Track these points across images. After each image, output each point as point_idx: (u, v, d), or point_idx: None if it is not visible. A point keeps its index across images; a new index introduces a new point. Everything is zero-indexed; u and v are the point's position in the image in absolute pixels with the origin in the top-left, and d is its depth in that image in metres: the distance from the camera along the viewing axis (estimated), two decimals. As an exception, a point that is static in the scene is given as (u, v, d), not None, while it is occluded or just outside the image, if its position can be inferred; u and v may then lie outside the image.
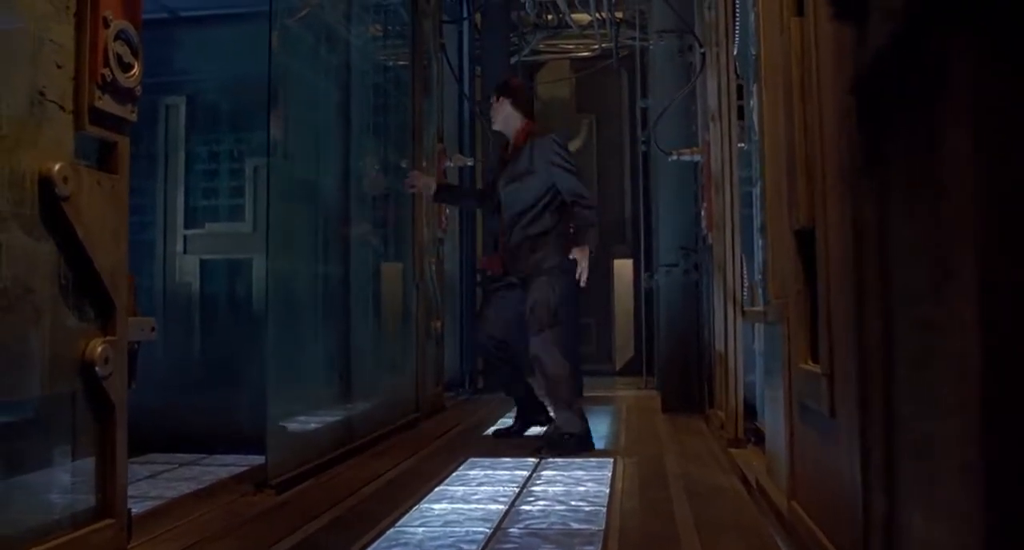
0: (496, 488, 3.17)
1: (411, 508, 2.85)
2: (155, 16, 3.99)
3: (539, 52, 8.68)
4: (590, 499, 2.97)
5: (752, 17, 2.96)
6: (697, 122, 5.16)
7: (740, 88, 3.92)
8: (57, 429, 1.77)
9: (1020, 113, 0.89)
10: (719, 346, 4.27)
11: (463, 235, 6.86)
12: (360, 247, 4.21)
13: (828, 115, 1.76)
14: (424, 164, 5.13)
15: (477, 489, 3.16)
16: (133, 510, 1.99)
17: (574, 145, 8.61)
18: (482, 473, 3.47)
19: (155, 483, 3.25)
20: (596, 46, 8.45)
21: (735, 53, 3.95)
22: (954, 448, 1.01)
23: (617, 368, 8.35)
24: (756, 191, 3.39)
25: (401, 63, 5.05)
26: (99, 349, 1.79)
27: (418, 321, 4.96)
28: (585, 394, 6.03)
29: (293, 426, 3.41)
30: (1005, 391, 0.89)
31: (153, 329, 2.00)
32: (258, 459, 3.23)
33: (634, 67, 8.02)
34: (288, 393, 3.31)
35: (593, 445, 4.00)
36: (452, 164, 5.85)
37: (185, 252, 4.27)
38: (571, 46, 8.70)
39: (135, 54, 1.89)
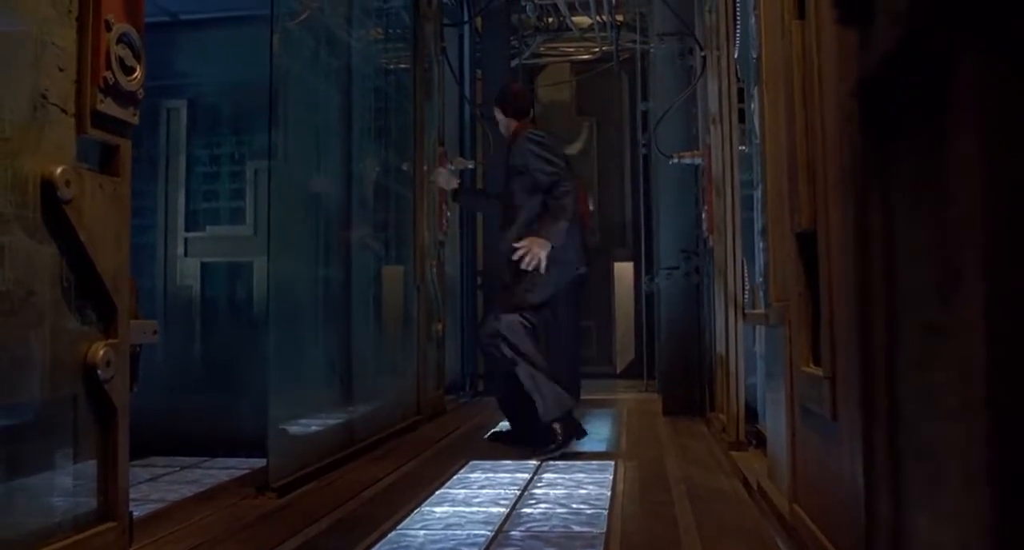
0: (497, 491, 3.17)
1: (412, 511, 2.85)
2: (156, 19, 3.99)
3: (540, 55, 8.68)
4: (591, 502, 2.97)
5: (753, 20, 2.96)
6: (698, 125, 5.16)
7: (741, 91, 3.92)
8: (59, 432, 1.77)
9: (1028, 116, 0.89)
10: (720, 349, 4.27)
11: (464, 238, 6.86)
12: (361, 250, 4.21)
13: (830, 118, 1.76)
14: (425, 167, 5.13)
15: (478, 492, 3.16)
16: (134, 513, 1.99)
17: (575, 148, 8.62)
18: (483, 476, 3.47)
19: (156, 486, 3.25)
20: (597, 49, 8.46)
21: (736, 56, 3.95)
22: (960, 451, 1.01)
23: (618, 371, 8.35)
24: (757, 194, 3.39)
25: (402, 66, 5.05)
26: (101, 352, 1.79)
27: (419, 324, 4.96)
28: (585, 397, 6.03)
29: (294, 429, 3.41)
30: (1011, 394, 0.89)
31: (155, 332, 2.00)
32: (259, 462, 3.23)
33: (635, 70, 8.02)
34: (289, 396, 3.31)
35: (582, 429, 4.05)
36: (453, 167, 5.84)
37: (186, 255, 4.28)
38: (572, 49, 8.70)
39: (137, 57, 1.89)
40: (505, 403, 4.35)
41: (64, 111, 1.73)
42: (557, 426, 3.91)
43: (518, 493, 3.13)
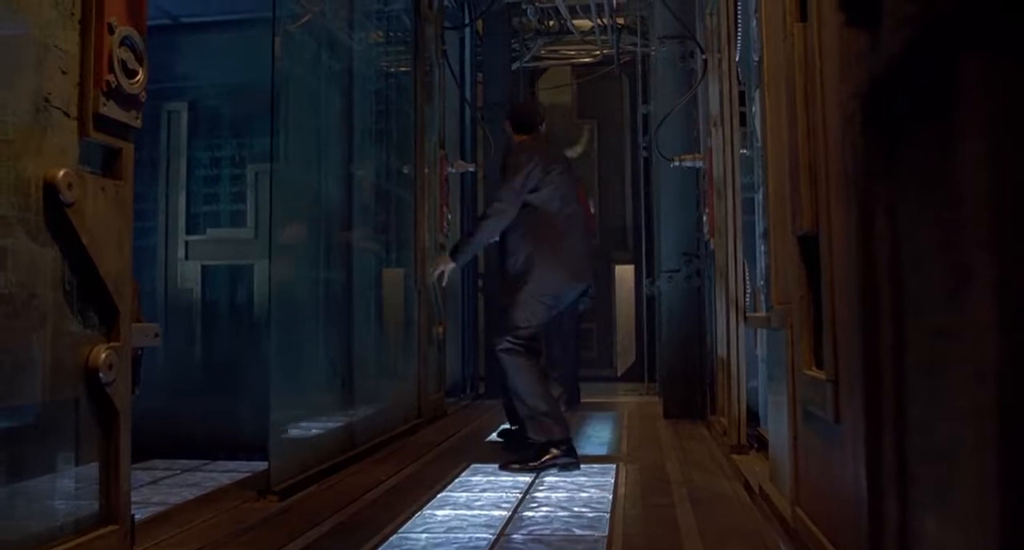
0: (499, 494, 3.17)
1: (414, 514, 2.85)
2: (157, 22, 4.00)
3: (540, 58, 8.69)
4: (593, 505, 2.97)
5: (754, 23, 2.96)
6: (699, 128, 5.17)
7: (742, 94, 3.92)
8: (61, 435, 1.77)
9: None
10: (721, 352, 4.27)
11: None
12: (362, 253, 4.21)
13: (832, 120, 1.76)
14: (426, 170, 5.13)
15: (480, 495, 3.16)
16: (136, 516, 1.98)
17: (575, 151, 8.62)
18: (485, 479, 3.47)
19: (157, 489, 3.25)
20: (598, 52, 8.47)
21: (737, 59, 3.96)
22: (971, 455, 1.01)
23: (619, 374, 8.35)
24: (758, 197, 3.39)
25: (403, 69, 5.06)
26: (103, 355, 1.79)
27: (420, 327, 4.96)
28: (586, 400, 6.03)
29: (295, 432, 3.41)
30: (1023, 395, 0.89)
31: (157, 335, 2.00)
32: (260, 465, 3.23)
33: (635, 73, 8.03)
34: (290, 399, 3.31)
35: (574, 455, 3.73)
36: (454, 170, 5.86)
37: (187, 258, 4.28)
38: (572, 52, 8.70)
39: (140, 60, 1.89)
40: (508, 408, 4.34)
41: (67, 114, 1.73)
42: (553, 450, 3.69)
43: (520, 496, 3.12)
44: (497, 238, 4.04)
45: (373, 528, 2.65)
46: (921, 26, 1.14)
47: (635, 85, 8.21)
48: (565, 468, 3.63)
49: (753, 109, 3.43)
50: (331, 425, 3.76)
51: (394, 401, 4.61)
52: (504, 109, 6.97)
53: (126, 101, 1.86)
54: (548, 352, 4.17)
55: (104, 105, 1.79)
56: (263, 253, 3.71)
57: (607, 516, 2.80)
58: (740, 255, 3.99)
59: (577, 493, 3.18)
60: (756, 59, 2.88)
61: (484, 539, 2.52)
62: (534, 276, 3.90)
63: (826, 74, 1.83)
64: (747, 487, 3.11)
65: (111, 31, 1.80)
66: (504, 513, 2.86)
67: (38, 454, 1.73)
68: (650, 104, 7.14)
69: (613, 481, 3.40)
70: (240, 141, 4.28)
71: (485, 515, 2.84)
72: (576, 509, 2.91)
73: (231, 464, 3.67)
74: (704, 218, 4.87)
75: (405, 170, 4.92)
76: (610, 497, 3.10)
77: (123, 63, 1.84)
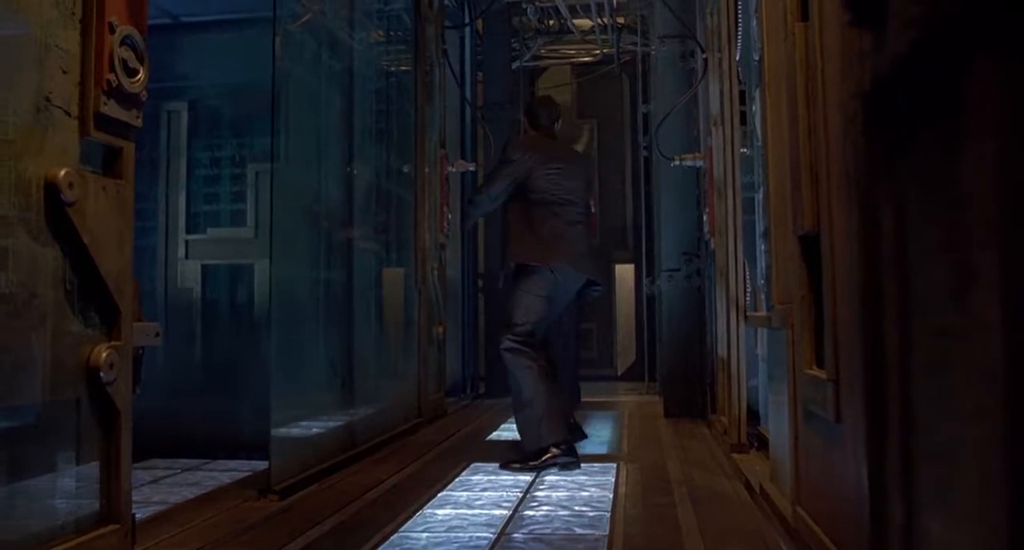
0: (499, 493, 3.17)
1: (414, 513, 2.85)
2: (157, 21, 3.99)
3: (541, 57, 8.69)
4: (594, 504, 2.97)
5: (754, 22, 2.96)
6: (699, 127, 5.17)
7: (742, 93, 3.92)
8: (62, 434, 1.77)
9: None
10: (721, 351, 4.27)
11: (465, 240, 6.86)
12: (362, 252, 4.21)
13: (833, 120, 1.76)
14: (427, 169, 5.13)
15: (480, 494, 3.16)
16: (137, 515, 1.98)
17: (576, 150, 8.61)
18: (485, 478, 3.47)
19: (158, 488, 3.25)
20: (598, 51, 8.47)
21: (737, 58, 3.95)
22: (976, 455, 1.01)
23: (619, 373, 8.35)
24: (758, 197, 3.39)
25: (404, 68, 5.06)
26: (104, 355, 1.79)
27: (420, 326, 4.96)
28: (586, 399, 6.02)
29: (296, 431, 3.41)
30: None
31: (158, 335, 2.00)
32: (260, 464, 3.23)
33: (636, 72, 8.03)
34: (291, 398, 3.31)
35: (575, 454, 3.70)
36: (454, 170, 5.85)
37: (187, 257, 4.28)
38: (573, 51, 8.70)
39: (140, 59, 1.89)
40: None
41: (68, 113, 1.73)
42: (553, 449, 3.68)
43: (520, 495, 3.12)
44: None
45: (374, 527, 2.65)
46: (927, 27, 1.14)
47: (635, 84, 8.21)
48: (565, 467, 3.63)
49: (753, 108, 3.43)
50: (331, 424, 3.76)
51: (394, 400, 4.61)
52: (504, 108, 7.02)
53: (127, 100, 1.86)
54: (548, 353, 4.18)
55: (105, 104, 1.79)
56: (263, 252, 3.71)
57: (608, 515, 2.80)
58: (740, 254, 3.98)
59: (578, 492, 3.18)
60: (757, 58, 2.88)
61: (485, 538, 2.52)
62: (528, 271, 3.96)
63: (827, 74, 1.83)
64: (748, 486, 3.11)
65: (112, 30, 1.80)
66: (505, 512, 2.86)
67: (39, 453, 1.73)
68: (650, 103, 7.13)
69: (614, 480, 3.40)
70: (240, 140, 4.28)
71: (486, 514, 2.84)
72: (577, 508, 2.91)
73: (231, 463, 3.67)
74: (704, 217, 4.86)
75: (405, 169, 4.92)
76: (611, 496, 3.10)
77: (124, 62, 1.84)
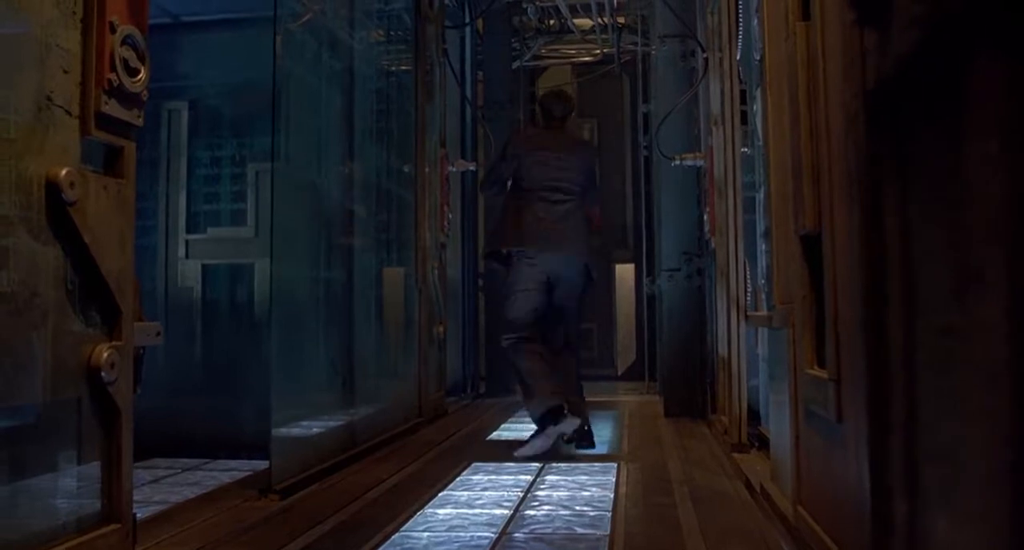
0: (500, 493, 3.17)
1: (415, 513, 2.85)
2: (158, 21, 3.99)
3: (541, 57, 8.69)
4: (594, 504, 2.97)
5: (755, 22, 2.96)
6: (699, 127, 5.16)
7: (743, 93, 3.92)
8: (63, 434, 1.77)
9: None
10: (722, 351, 4.27)
11: (465, 240, 6.86)
12: (363, 251, 4.21)
13: (835, 119, 1.76)
14: (427, 169, 5.13)
15: (481, 494, 3.16)
16: (137, 515, 1.98)
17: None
18: (486, 477, 3.47)
19: (158, 488, 3.25)
20: (598, 51, 8.47)
21: (738, 58, 3.95)
22: (979, 454, 1.01)
23: (619, 373, 8.35)
24: (759, 196, 3.39)
25: (404, 68, 5.06)
26: (105, 354, 1.79)
27: (420, 326, 4.96)
28: (587, 399, 6.01)
29: (296, 431, 3.41)
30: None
31: (159, 334, 2.00)
32: (261, 464, 3.23)
33: (636, 72, 8.03)
34: (291, 398, 3.31)
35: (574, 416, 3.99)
36: (454, 169, 5.85)
37: (187, 257, 4.28)
38: (573, 51, 8.70)
39: (141, 59, 1.89)
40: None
41: (68, 113, 1.73)
42: (548, 428, 3.92)
43: (521, 495, 3.12)
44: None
45: (374, 527, 2.65)
46: (929, 26, 1.14)
47: (636, 84, 8.21)
48: (567, 430, 3.93)
49: (754, 108, 3.43)
50: (332, 424, 3.76)
51: (395, 400, 4.61)
52: (504, 108, 7.03)
53: (128, 100, 1.86)
54: (546, 339, 4.28)
55: (106, 104, 1.79)
56: (264, 252, 3.71)
57: (609, 515, 2.80)
58: (741, 254, 3.98)
59: (579, 492, 3.18)
60: (758, 58, 2.88)
61: (486, 538, 2.52)
62: (512, 270, 4.24)
63: (829, 73, 1.83)
64: (748, 486, 3.11)
65: (113, 30, 1.80)
66: (506, 512, 2.86)
67: (40, 453, 1.73)
68: (651, 103, 7.14)
69: (614, 480, 3.40)
70: (241, 140, 4.28)
71: (487, 514, 2.84)
72: (578, 508, 2.91)
73: (232, 463, 3.67)
74: (705, 217, 4.86)
75: (406, 169, 4.92)
76: (611, 496, 3.10)
77: (125, 62, 1.84)
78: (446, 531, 2.61)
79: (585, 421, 4.24)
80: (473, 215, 7.00)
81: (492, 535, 2.56)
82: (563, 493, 3.17)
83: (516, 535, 2.56)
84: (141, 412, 1.95)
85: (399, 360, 4.73)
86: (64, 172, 1.67)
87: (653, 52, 6.18)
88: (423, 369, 4.98)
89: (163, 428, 3.57)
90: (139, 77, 1.89)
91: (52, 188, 1.66)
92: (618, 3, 7.51)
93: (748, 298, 3.97)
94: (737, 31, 3.95)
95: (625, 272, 8.49)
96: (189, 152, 4.29)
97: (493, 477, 3.48)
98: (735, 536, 2.52)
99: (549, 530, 2.62)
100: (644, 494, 3.13)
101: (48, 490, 1.74)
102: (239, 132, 4.27)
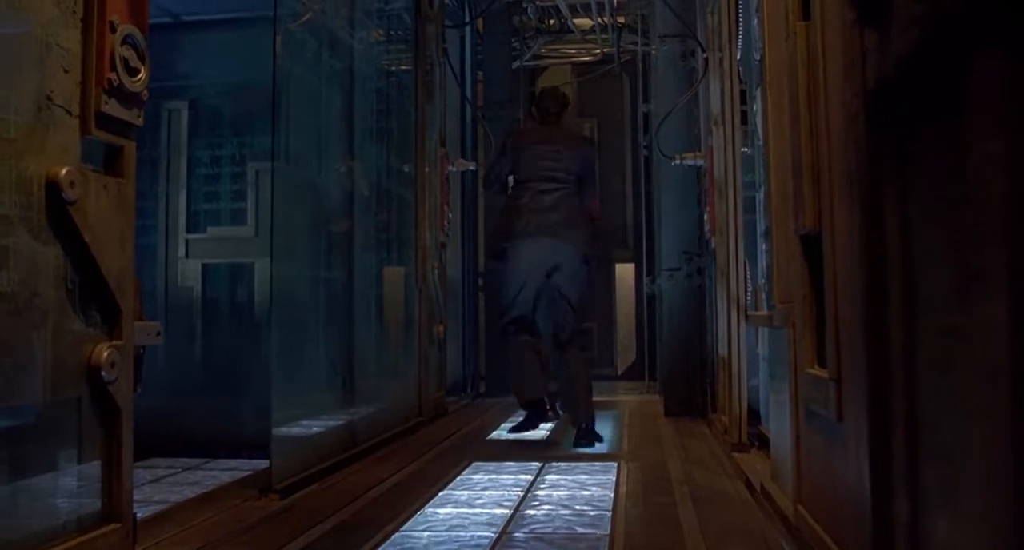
0: (500, 492, 3.17)
1: (415, 513, 2.85)
2: (158, 20, 3.99)
3: (541, 57, 8.68)
4: (595, 503, 2.97)
5: (755, 22, 2.96)
6: (699, 126, 5.16)
7: (743, 93, 3.92)
8: (63, 433, 1.77)
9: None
10: (722, 350, 4.27)
11: (465, 239, 6.87)
12: (363, 251, 4.21)
13: (835, 119, 1.76)
14: (427, 168, 5.13)
15: (481, 493, 3.16)
16: (138, 514, 1.98)
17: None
18: (486, 477, 3.47)
19: (158, 487, 3.25)
20: (598, 51, 8.46)
21: (738, 58, 3.95)
22: (980, 454, 1.01)
23: (619, 372, 8.35)
24: (759, 196, 3.39)
25: (404, 68, 5.06)
26: (105, 354, 1.79)
27: (421, 325, 4.96)
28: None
29: (297, 430, 3.41)
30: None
31: (159, 334, 2.00)
32: (261, 463, 3.23)
33: (636, 72, 8.02)
34: (291, 397, 3.31)
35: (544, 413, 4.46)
36: (455, 169, 5.85)
37: (187, 256, 4.28)
38: (573, 51, 8.70)
39: (142, 58, 1.89)
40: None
41: (69, 112, 1.73)
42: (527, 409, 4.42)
43: (521, 494, 3.12)
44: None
45: (375, 526, 2.65)
46: (929, 26, 1.14)
47: (636, 84, 8.20)
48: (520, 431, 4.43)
49: (754, 107, 3.43)
50: (332, 423, 3.76)
51: (395, 400, 4.61)
52: (505, 107, 7.03)
53: (128, 99, 1.86)
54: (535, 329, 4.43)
55: (106, 103, 1.79)
56: (264, 251, 3.71)
57: (609, 514, 2.80)
58: (741, 253, 3.98)
59: (579, 491, 3.18)
60: (758, 58, 2.88)
61: (486, 537, 2.52)
62: (508, 259, 4.41)
63: (829, 73, 1.83)
64: (748, 485, 3.11)
65: (113, 29, 1.79)
66: (506, 511, 2.86)
67: (40, 453, 1.73)
68: (651, 103, 7.13)
69: (615, 479, 3.40)
70: (241, 139, 4.28)
71: (487, 513, 2.84)
72: (578, 507, 2.91)
73: (232, 462, 3.67)
74: (705, 216, 4.86)
75: (406, 169, 4.92)
76: (612, 495, 3.10)
77: (125, 61, 1.84)
78: (446, 531, 2.61)
79: (589, 420, 4.26)
80: (473, 215, 7.00)
81: (492, 535, 2.56)
82: (563, 492, 3.17)
83: (516, 535, 2.56)
84: (141, 411, 1.95)
85: (399, 359, 4.73)
86: (64, 171, 1.67)
87: (653, 52, 6.17)
88: (423, 369, 4.98)
89: (163, 428, 3.57)
90: (139, 76, 1.89)
91: (52, 187, 1.66)
92: (618, 3, 7.51)
93: (748, 298, 3.97)
94: (737, 31, 3.95)
95: (625, 272, 8.49)
96: (189, 151, 4.29)
97: (493, 476, 3.48)
98: (735, 536, 2.52)
99: (549, 530, 2.62)
100: (644, 493, 3.13)
101: (48, 490, 1.74)
102: (239, 131, 4.27)
